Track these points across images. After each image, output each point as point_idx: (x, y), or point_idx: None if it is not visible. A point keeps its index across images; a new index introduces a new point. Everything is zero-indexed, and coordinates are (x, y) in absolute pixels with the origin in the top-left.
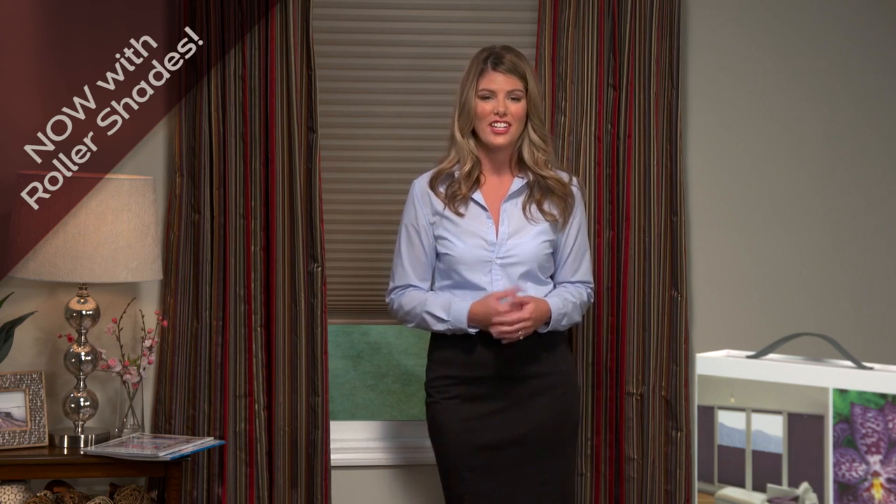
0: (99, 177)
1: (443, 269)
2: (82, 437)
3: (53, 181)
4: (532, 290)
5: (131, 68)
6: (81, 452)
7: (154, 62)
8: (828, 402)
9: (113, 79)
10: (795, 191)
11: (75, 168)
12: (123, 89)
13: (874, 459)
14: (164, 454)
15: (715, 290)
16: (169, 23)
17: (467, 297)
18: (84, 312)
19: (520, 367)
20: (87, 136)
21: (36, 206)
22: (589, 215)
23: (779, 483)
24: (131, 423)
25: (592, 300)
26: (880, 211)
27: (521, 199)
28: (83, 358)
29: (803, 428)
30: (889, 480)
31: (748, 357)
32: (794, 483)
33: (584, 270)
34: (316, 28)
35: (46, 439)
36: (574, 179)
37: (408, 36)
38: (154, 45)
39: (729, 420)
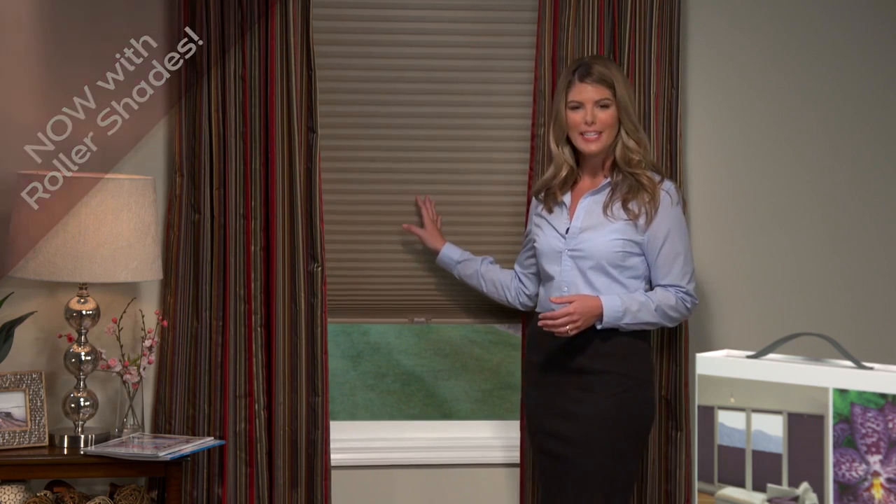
0: (99, 177)
1: (536, 266)
2: (82, 437)
3: (53, 181)
4: (602, 285)
5: (131, 68)
6: (81, 452)
7: (154, 62)
8: (828, 402)
9: (113, 79)
10: (795, 191)
11: (75, 168)
12: (123, 89)
13: (874, 459)
14: (164, 454)
15: (715, 290)
16: (169, 23)
17: (547, 289)
18: (84, 312)
19: (570, 358)
20: (87, 136)
21: (36, 206)
22: None
23: (779, 483)
24: (131, 423)
25: (689, 305)
26: (880, 211)
27: (603, 197)
28: (83, 358)
29: (803, 428)
30: (889, 480)
31: (748, 357)
32: (794, 483)
33: (676, 274)
34: (316, 28)
35: (46, 439)
36: (667, 183)
37: (408, 36)
38: (154, 45)
39: (729, 420)
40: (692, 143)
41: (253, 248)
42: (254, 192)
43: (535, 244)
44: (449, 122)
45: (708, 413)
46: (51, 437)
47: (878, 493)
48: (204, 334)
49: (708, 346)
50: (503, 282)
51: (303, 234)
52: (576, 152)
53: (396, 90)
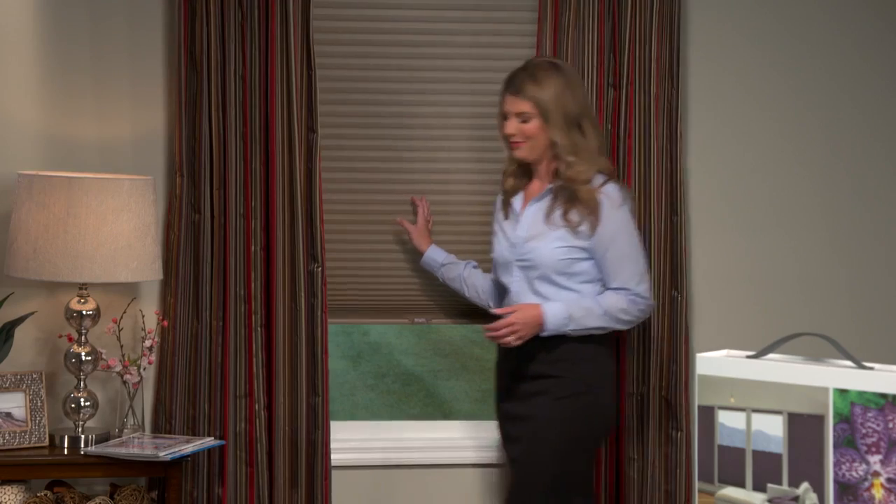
0: (99, 177)
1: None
2: (82, 437)
3: (53, 181)
4: (550, 293)
5: (132, 68)
6: (82, 452)
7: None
8: (828, 402)
9: (114, 78)
10: (795, 191)
11: (75, 168)
12: (124, 88)
13: (874, 459)
14: (165, 454)
15: (715, 290)
16: (169, 22)
17: (504, 298)
18: (84, 312)
19: (523, 366)
20: (87, 136)
21: (36, 206)
22: None
23: (779, 483)
24: (131, 423)
25: (642, 307)
26: (880, 211)
27: (545, 204)
28: (83, 358)
29: (803, 428)
30: (889, 480)
31: (748, 357)
32: (794, 483)
33: (625, 277)
34: (316, 28)
35: (47, 439)
36: (610, 186)
37: (408, 36)
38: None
39: (729, 420)
40: (692, 144)
41: (253, 248)
42: (254, 192)
43: (491, 253)
44: (449, 122)
45: (708, 413)
46: (51, 437)
47: (878, 492)
48: (204, 334)
49: (708, 347)
50: (485, 287)
51: (303, 234)
52: None
53: (396, 90)
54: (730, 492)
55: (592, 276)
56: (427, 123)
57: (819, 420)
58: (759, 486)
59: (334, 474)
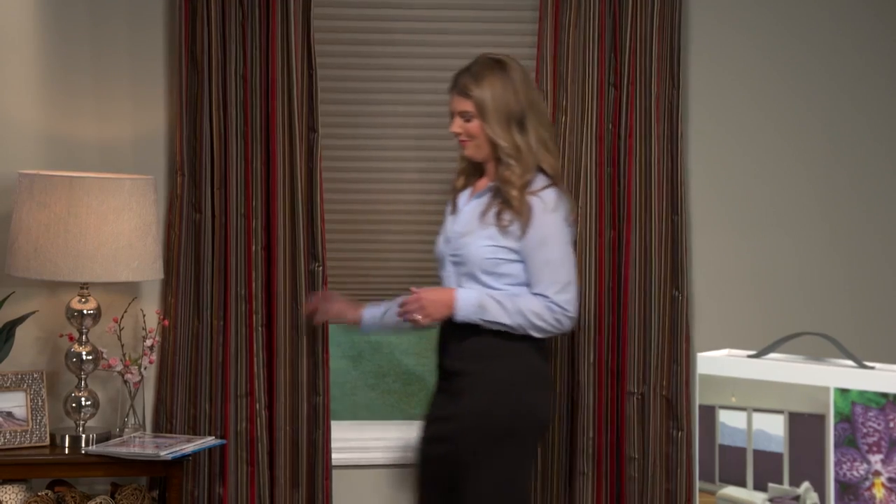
0: (100, 176)
1: None
2: (83, 436)
3: (54, 181)
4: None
5: (133, 68)
6: (83, 452)
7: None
8: (829, 402)
9: (115, 77)
10: (796, 190)
11: (76, 168)
12: (125, 88)
13: (875, 459)
14: (165, 454)
15: (716, 289)
16: (170, 22)
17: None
18: (85, 312)
19: (444, 361)
20: (88, 136)
21: (37, 206)
22: (590, 214)
23: (780, 482)
24: (132, 422)
25: (559, 316)
26: (880, 210)
27: (483, 202)
28: (84, 357)
29: (804, 427)
30: (890, 480)
31: (749, 356)
32: (795, 482)
33: (545, 283)
34: (317, 27)
35: (48, 439)
36: (548, 191)
37: (409, 35)
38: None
39: (730, 419)
40: (693, 144)
41: (254, 247)
42: (255, 191)
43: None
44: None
45: (709, 412)
46: (52, 437)
47: (879, 492)
48: (205, 334)
49: (709, 346)
50: None
51: (304, 234)
52: None
53: (397, 90)
54: (731, 491)
55: (521, 280)
56: (428, 123)
57: (820, 419)
58: (759, 486)
59: (335, 474)
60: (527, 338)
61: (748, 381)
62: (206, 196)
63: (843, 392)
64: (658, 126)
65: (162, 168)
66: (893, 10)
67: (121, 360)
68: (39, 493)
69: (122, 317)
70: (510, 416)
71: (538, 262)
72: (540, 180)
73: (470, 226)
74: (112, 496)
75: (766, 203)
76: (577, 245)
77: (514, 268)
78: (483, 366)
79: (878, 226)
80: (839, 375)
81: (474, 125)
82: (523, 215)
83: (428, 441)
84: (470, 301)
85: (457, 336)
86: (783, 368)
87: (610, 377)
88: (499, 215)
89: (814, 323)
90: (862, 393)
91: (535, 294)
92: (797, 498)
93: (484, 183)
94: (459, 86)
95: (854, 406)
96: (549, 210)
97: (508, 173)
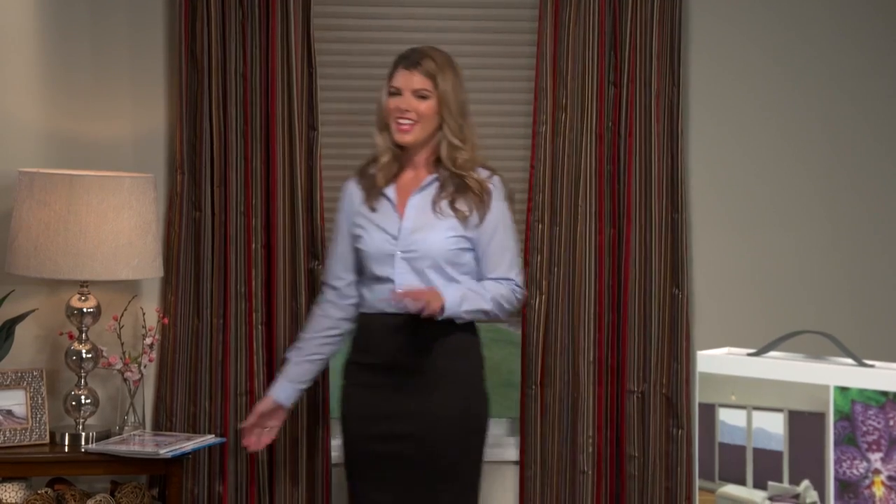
0: (100, 175)
1: (360, 263)
2: (83, 434)
3: (54, 179)
4: (440, 283)
5: (133, 66)
6: (82, 450)
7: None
8: (829, 400)
9: (115, 76)
10: (796, 188)
11: (77, 166)
12: (125, 87)
13: (875, 457)
14: (165, 452)
15: (716, 287)
16: (170, 21)
17: (376, 291)
18: (85, 310)
19: (409, 357)
20: (88, 134)
21: (37, 204)
22: (590, 212)
23: (780, 480)
24: (132, 420)
25: (519, 297)
26: (880, 208)
27: (430, 195)
28: (84, 355)
29: (804, 425)
30: (890, 478)
31: (749, 355)
32: (794, 481)
33: (506, 266)
34: (316, 26)
35: (47, 437)
36: (496, 178)
37: (408, 34)
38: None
39: (730, 418)
40: (693, 142)
41: (254, 245)
42: (254, 189)
43: (361, 246)
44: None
45: (709, 411)
46: (52, 435)
47: (878, 490)
48: (205, 332)
49: (709, 344)
50: (330, 326)
51: (303, 232)
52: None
53: None
54: (730, 489)
55: (471, 269)
56: None
57: (820, 418)
58: (759, 484)
59: (335, 472)
60: (477, 331)
61: (748, 379)
62: (206, 194)
63: (842, 390)
64: (658, 124)
65: (162, 166)
66: (892, 9)
67: (120, 358)
68: (39, 492)
69: (122, 315)
70: (482, 410)
71: (499, 245)
72: (483, 171)
73: (423, 220)
74: (112, 494)
75: (766, 201)
76: (577, 243)
77: (468, 257)
78: (452, 361)
79: (879, 224)
80: (839, 374)
81: (428, 105)
82: (483, 201)
83: (395, 439)
84: (455, 295)
85: (419, 332)
86: (783, 367)
87: (610, 375)
88: (453, 205)
89: (814, 321)
90: (862, 391)
91: (498, 279)
92: (797, 496)
93: (412, 175)
94: (416, 61)
95: (854, 404)
96: (500, 197)
97: (461, 160)
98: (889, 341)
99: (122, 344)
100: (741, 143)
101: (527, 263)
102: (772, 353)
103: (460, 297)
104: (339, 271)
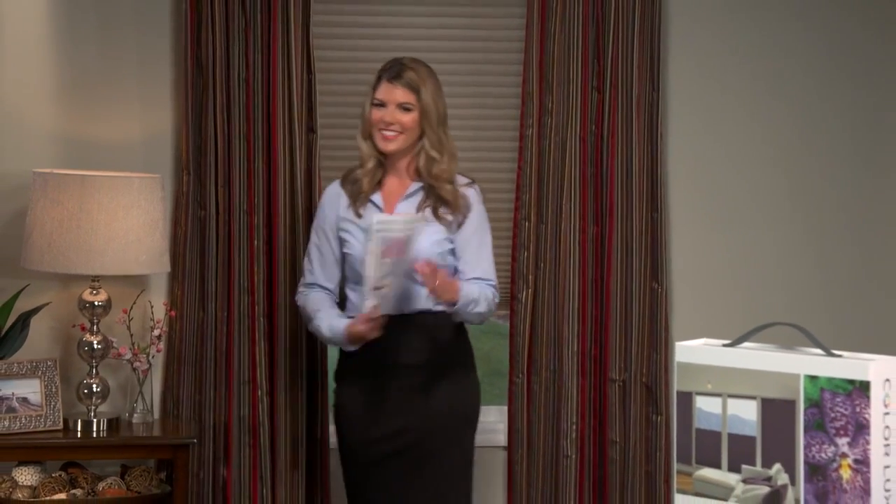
0: (110, 175)
1: (346, 267)
2: (95, 420)
3: (67, 179)
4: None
5: (141, 72)
6: (94, 435)
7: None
8: (799, 388)
9: (124, 81)
10: (770, 188)
11: (88, 167)
12: (134, 92)
13: (842, 442)
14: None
15: (693, 282)
16: (177, 29)
17: (357, 293)
18: (96, 303)
19: (407, 354)
20: (99, 137)
21: (51, 203)
22: (574, 211)
23: (753, 464)
24: (141, 407)
25: (497, 299)
26: (851, 208)
27: (416, 201)
28: (95, 346)
29: (776, 412)
30: (856, 461)
31: (724, 345)
32: (767, 464)
33: (485, 268)
34: (315, 34)
35: (61, 423)
36: (472, 190)
37: (401, 42)
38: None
39: (706, 405)
40: (672, 144)
41: (256, 242)
42: (256, 189)
43: (349, 251)
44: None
45: (686, 398)
46: (65, 421)
47: (845, 473)
48: (209, 324)
49: (687, 336)
50: (331, 299)
51: (303, 230)
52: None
53: None
54: (706, 472)
55: (452, 272)
56: None
57: (791, 405)
58: (734, 468)
59: (333, 456)
60: (466, 325)
61: (723, 368)
62: (211, 194)
63: (812, 379)
64: (639, 127)
65: (169, 167)
66: (865, 12)
67: (130, 349)
68: (53, 475)
69: (132, 308)
70: (475, 402)
71: (476, 248)
72: (462, 178)
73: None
74: (122, 477)
75: (742, 200)
76: (562, 240)
77: (450, 260)
78: (444, 357)
79: (849, 222)
80: (809, 363)
81: (411, 118)
82: (460, 207)
83: (391, 435)
84: (469, 294)
85: (409, 330)
86: (756, 357)
87: (593, 365)
88: (436, 212)
89: (786, 314)
90: (830, 380)
91: (477, 279)
92: (769, 479)
93: (397, 182)
94: (399, 75)
95: (823, 392)
96: (479, 201)
97: (437, 170)
98: (856, 333)
99: (132, 335)
100: (718, 146)
101: (514, 259)
102: (746, 344)
103: (472, 299)
104: (329, 274)
